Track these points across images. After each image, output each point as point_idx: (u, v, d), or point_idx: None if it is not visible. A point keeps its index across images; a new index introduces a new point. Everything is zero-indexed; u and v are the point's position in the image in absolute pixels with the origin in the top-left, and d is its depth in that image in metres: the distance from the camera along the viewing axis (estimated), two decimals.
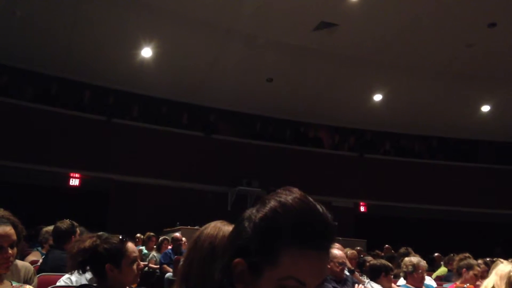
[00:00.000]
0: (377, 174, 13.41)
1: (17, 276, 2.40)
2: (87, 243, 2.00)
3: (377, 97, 13.43)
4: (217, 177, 12.13)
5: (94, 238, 2.03)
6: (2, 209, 1.99)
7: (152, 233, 8.53)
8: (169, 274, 6.62)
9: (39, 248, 4.69)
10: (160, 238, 8.13)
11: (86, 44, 10.86)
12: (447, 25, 10.59)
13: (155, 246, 8.13)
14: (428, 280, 4.91)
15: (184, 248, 6.96)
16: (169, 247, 7.52)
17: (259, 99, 12.96)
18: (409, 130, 14.39)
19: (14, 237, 1.89)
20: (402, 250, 6.70)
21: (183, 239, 7.38)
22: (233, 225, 1.67)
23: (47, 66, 11.25)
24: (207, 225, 1.72)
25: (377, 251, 8.35)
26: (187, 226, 8.96)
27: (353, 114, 13.55)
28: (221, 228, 1.66)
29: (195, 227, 8.39)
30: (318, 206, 0.80)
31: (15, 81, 11.05)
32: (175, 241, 7.33)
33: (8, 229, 1.88)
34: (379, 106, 13.39)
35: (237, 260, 0.79)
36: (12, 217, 1.94)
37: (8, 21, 9.97)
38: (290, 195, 0.80)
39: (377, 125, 14.14)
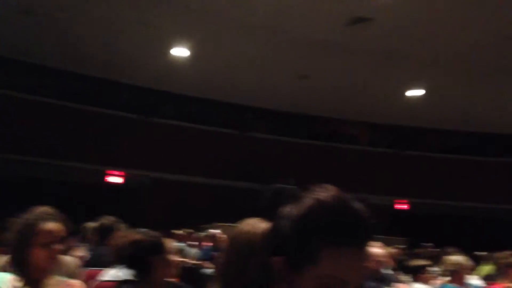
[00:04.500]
0: (417, 171, 13.13)
1: (63, 271, 2.49)
2: (135, 236, 2.07)
3: (416, 92, 13.13)
4: (253, 174, 12.17)
5: (140, 233, 2.10)
6: (49, 206, 2.07)
7: (190, 230, 8.66)
8: (208, 270, 6.70)
9: (84, 244, 4.84)
10: (199, 235, 8.23)
11: (123, 45, 11.10)
12: (487, 16, 10.22)
13: (194, 243, 8.25)
14: (472, 279, 4.78)
15: (222, 245, 7.03)
16: (208, 243, 7.61)
17: (293, 97, 12.90)
18: (450, 126, 13.99)
19: (61, 233, 1.97)
20: (445, 248, 6.54)
21: (222, 236, 7.45)
22: (269, 223, 1.69)
23: (87, 67, 11.58)
24: (243, 222, 1.75)
25: (418, 250, 8.19)
26: (224, 222, 9.05)
27: (390, 110, 13.29)
28: (258, 225, 1.68)
29: (232, 224, 8.47)
30: (355, 203, 0.80)
31: (57, 83, 11.46)
32: (214, 237, 7.41)
33: (56, 226, 1.95)
34: (418, 102, 13.08)
35: (275, 258, 0.80)
36: (59, 214, 2.02)
37: (48, 25, 10.32)
38: (325, 192, 0.80)
39: (415, 120, 13.81)
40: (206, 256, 7.20)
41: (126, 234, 2.16)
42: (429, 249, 8.67)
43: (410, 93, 13.00)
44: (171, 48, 11.20)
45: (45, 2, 9.85)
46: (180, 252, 7.54)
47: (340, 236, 0.76)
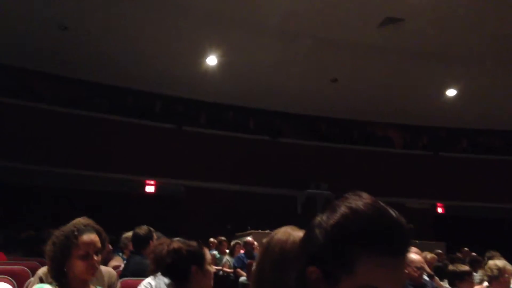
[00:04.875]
0: (454, 173, 12.78)
1: (101, 281, 2.52)
2: (174, 245, 2.07)
3: (451, 92, 12.81)
4: (285, 180, 12.13)
5: (178, 242, 2.10)
6: (86, 217, 2.11)
7: (223, 238, 8.69)
8: (243, 278, 6.70)
9: (120, 254, 4.92)
10: (232, 242, 8.25)
11: (155, 57, 11.32)
12: None
13: (227, 250, 8.27)
14: None
15: (256, 252, 7.02)
16: (242, 251, 7.61)
17: (324, 100, 12.82)
18: (488, 126, 13.57)
19: (99, 244, 2.00)
20: (486, 253, 6.31)
21: (255, 243, 7.44)
22: (303, 231, 1.67)
23: (121, 79, 11.85)
24: (277, 230, 1.73)
25: (457, 254, 7.95)
26: (258, 230, 9.05)
27: (425, 111, 13.01)
28: (291, 233, 1.66)
29: (266, 231, 8.45)
30: (391, 211, 0.77)
31: (93, 95, 11.78)
32: (248, 245, 7.40)
33: (93, 237, 1.99)
34: (453, 102, 12.76)
35: (311, 268, 0.78)
36: (96, 225, 2.05)
37: (83, 39, 10.65)
38: (360, 200, 0.78)
39: (452, 121, 13.47)
40: (239, 264, 7.19)
41: (164, 243, 2.16)
42: (468, 254, 8.39)
43: (444, 93, 12.70)
44: (201, 57, 11.34)
45: (81, 18, 10.18)
46: (214, 260, 7.58)
47: (378, 245, 0.74)
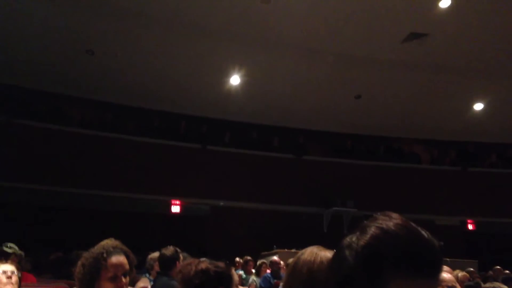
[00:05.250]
0: (484, 189, 12.44)
1: None
2: (202, 265, 2.07)
3: (478, 106, 12.58)
4: (311, 198, 12.03)
5: (206, 262, 2.09)
6: (113, 239, 2.13)
7: (249, 257, 8.63)
8: None
9: (147, 275, 4.94)
10: (258, 262, 8.18)
11: (180, 77, 11.52)
12: None
13: (253, 270, 8.21)
14: None
15: (282, 272, 6.94)
16: (268, 271, 7.54)
17: (349, 117, 12.76)
18: None
19: (127, 266, 2.01)
20: None
21: (281, 262, 7.37)
22: (329, 250, 1.66)
23: (146, 101, 12.06)
24: (303, 250, 1.72)
25: (489, 273, 7.69)
26: (284, 249, 8.95)
27: (452, 125, 12.80)
28: (318, 253, 1.64)
29: (292, 250, 8.36)
30: (422, 232, 0.77)
31: (119, 117, 12.02)
32: (274, 265, 7.33)
33: (122, 259, 2.01)
34: (481, 116, 12.52)
35: None
36: (124, 247, 2.08)
37: (109, 63, 10.93)
38: (390, 221, 0.78)
39: (480, 136, 13.19)
40: (266, 284, 7.11)
41: (192, 263, 2.16)
42: (501, 272, 8.11)
43: (471, 107, 12.49)
44: (225, 77, 11.47)
45: (106, 42, 10.47)
46: (240, 280, 7.53)
47: (410, 267, 0.73)
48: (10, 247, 4.83)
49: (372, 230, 0.77)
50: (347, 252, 0.79)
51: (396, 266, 0.73)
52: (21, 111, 10.67)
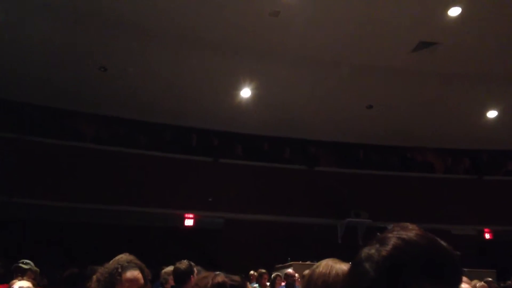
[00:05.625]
0: (500, 197, 12.25)
1: None
2: (218, 279, 2.06)
3: (492, 114, 12.46)
4: (324, 209, 11.96)
5: (221, 276, 2.08)
6: (128, 253, 2.14)
7: (263, 270, 8.57)
8: None
9: None
10: (273, 275, 8.13)
11: (190, 91, 11.60)
12: None
13: (268, 283, 8.15)
14: None
15: (297, 285, 6.89)
16: (282, 283, 7.49)
17: (360, 127, 12.70)
18: None
19: (142, 281, 2.02)
20: None
21: (296, 275, 7.31)
22: (344, 263, 1.65)
23: (158, 115, 12.15)
24: (318, 263, 1.71)
25: (508, 282, 7.55)
26: (298, 261, 8.89)
27: (466, 134, 12.67)
28: (333, 266, 1.64)
29: (307, 262, 8.31)
30: (441, 242, 0.77)
31: (131, 133, 12.12)
32: (289, 277, 7.28)
33: (136, 274, 2.01)
34: (495, 123, 12.38)
35: None
36: (138, 262, 2.08)
37: (121, 78, 11.06)
38: (410, 232, 0.77)
39: (494, 143, 13.03)
40: None
41: (208, 277, 2.16)
42: None
43: (484, 114, 12.38)
44: (235, 90, 11.52)
45: (118, 59, 10.61)
46: None
47: (435, 277, 0.73)
48: (26, 263, 4.87)
49: (393, 240, 0.77)
50: (367, 265, 0.78)
51: (420, 276, 0.73)
52: (35, 129, 10.82)
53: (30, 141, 10.46)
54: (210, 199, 10.92)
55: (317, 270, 1.65)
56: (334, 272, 1.60)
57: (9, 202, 9.78)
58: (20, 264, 4.79)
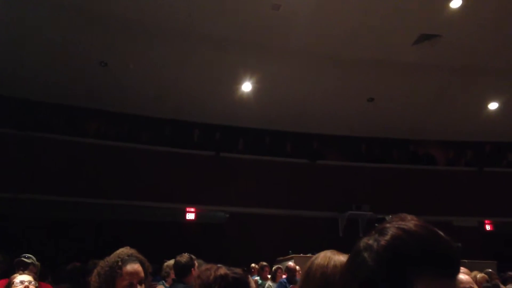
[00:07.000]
0: (501, 189, 12.26)
1: None
2: (221, 271, 2.07)
3: (493, 106, 12.43)
4: (326, 203, 11.98)
5: (223, 268, 2.10)
6: (129, 247, 2.14)
7: (265, 263, 8.60)
8: None
9: (163, 282, 4.97)
10: (274, 267, 8.17)
11: (192, 85, 11.58)
12: None
13: (269, 276, 8.19)
14: None
15: (298, 277, 6.92)
16: (284, 276, 7.52)
17: (362, 120, 12.68)
18: None
19: (142, 274, 2.02)
20: None
21: (297, 267, 7.34)
22: (343, 254, 1.65)
23: (160, 110, 12.15)
24: (317, 255, 1.72)
25: (509, 273, 7.55)
26: (299, 254, 8.92)
27: (467, 126, 12.64)
28: (332, 257, 1.64)
29: (308, 255, 8.32)
30: (440, 232, 0.77)
31: (132, 127, 12.13)
32: (289, 270, 7.31)
33: (137, 267, 2.02)
34: (496, 115, 12.35)
35: None
36: (139, 255, 2.09)
37: (123, 74, 11.05)
38: (409, 222, 0.78)
39: (495, 135, 13.01)
40: None
41: (211, 269, 2.17)
42: None
43: (485, 107, 12.34)
44: (236, 84, 11.51)
45: (120, 54, 10.60)
46: (256, 286, 7.51)
47: (435, 267, 0.73)
48: (28, 258, 4.90)
49: (392, 231, 0.77)
50: (365, 254, 0.78)
51: (419, 266, 0.73)
52: (37, 125, 10.84)
53: (32, 137, 10.48)
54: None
55: (316, 262, 1.65)
56: (332, 263, 1.61)
57: (14, 198, 9.83)
58: (22, 258, 4.83)
